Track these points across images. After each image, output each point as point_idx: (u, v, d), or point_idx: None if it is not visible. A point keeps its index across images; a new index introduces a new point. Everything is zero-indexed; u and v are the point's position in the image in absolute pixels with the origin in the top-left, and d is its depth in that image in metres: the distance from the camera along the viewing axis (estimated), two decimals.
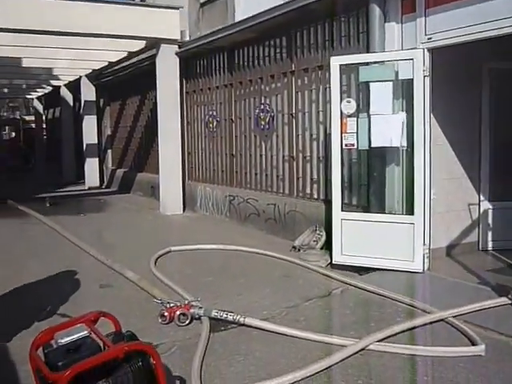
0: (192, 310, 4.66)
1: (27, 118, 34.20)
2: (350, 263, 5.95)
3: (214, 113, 9.98)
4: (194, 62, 10.54)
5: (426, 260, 5.74)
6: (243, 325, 4.47)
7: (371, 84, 5.73)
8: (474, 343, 3.96)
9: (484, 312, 4.61)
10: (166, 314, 4.64)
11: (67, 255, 7.33)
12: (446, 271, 5.84)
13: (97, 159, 16.40)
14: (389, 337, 4.07)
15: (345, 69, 6.03)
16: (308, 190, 7.57)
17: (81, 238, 8.07)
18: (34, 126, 26.81)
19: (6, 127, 31.73)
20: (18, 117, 37.33)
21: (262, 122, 8.47)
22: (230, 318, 4.54)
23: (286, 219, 7.79)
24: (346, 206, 6.24)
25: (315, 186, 7.42)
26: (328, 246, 6.45)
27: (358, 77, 5.99)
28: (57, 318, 4.67)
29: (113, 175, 16.09)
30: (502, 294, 4.86)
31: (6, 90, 21.01)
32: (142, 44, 10.87)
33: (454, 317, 4.44)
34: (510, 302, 4.71)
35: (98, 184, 16.39)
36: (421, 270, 5.68)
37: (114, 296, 5.51)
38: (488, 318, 4.46)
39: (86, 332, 2.93)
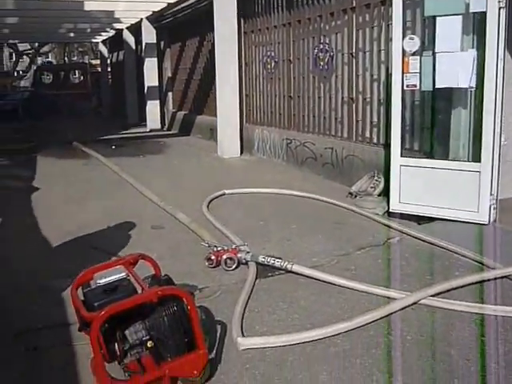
0: (239, 255, 4.56)
1: (94, 62, 34.77)
2: (409, 212, 5.64)
3: (272, 53, 9.62)
4: (252, 0, 10.11)
5: (493, 211, 5.31)
6: (290, 272, 4.33)
7: (438, 18, 5.21)
8: None
9: None
10: (212, 257, 4.56)
11: (123, 196, 7.41)
12: None
13: (158, 102, 16.48)
14: (445, 292, 3.80)
15: (409, 2, 5.56)
16: (367, 134, 7.21)
17: (137, 180, 8.13)
18: (99, 69, 27.14)
19: (76, 71, 32.32)
20: (86, 61, 38.05)
21: (321, 63, 8.08)
22: (277, 264, 4.41)
23: (344, 164, 7.50)
24: (406, 152, 5.88)
25: (375, 129, 7.05)
26: (386, 193, 6.14)
27: (423, 11, 5.50)
28: (105, 257, 4.69)
29: (173, 118, 16.12)
30: None
31: (72, 35, 21.26)
32: None
33: None
34: None
35: (159, 126, 16.54)
36: (486, 222, 5.29)
37: (164, 238, 5.50)
38: None
39: (123, 274, 2.91)
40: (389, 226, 5.49)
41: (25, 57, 39.16)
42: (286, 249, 5.02)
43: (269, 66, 9.80)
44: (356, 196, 6.55)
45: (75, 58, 46.08)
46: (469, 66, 5.17)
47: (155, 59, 16.01)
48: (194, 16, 12.74)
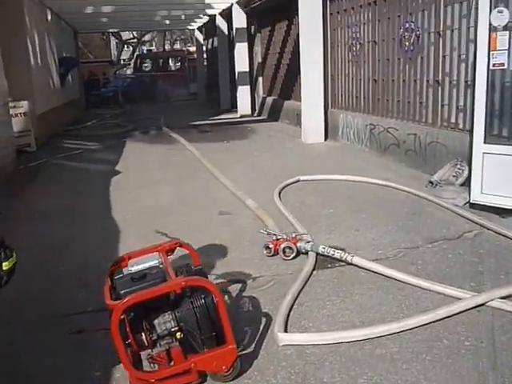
0: (299, 244, 4.38)
1: (192, 49, 35.54)
2: (492, 204, 5.15)
3: (358, 35, 9.21)
4: None
5: None
6: (351, 264, 4.09)
7: None
8: None
9: None
10: (270, 245, 4.42)
11: (198, 181, 7.45)
12: None
13: (248, 87, 16.47)
14: None
15: None
16: (453, 119, 6.69)
17: (215, 165, 8.12)
18: (195, 56, 27.67)
19: (174, 58, 33.26)
20: (184, 48, 38.97)
21: (407, 43, 7.58)
22: (337, 255, 4.18)
23: (427, 151, 7.02)
24: (492, 138, 5.35)
25: (461, 114, 6.52)
26: (470, 183, 5.66)
27: None
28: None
29: (263, 103, 16.05)
30: None
31: (167, 22, 21.76)
32: None
33: None
34: None
35: (249, 112, 16.53)
36: None
37: (230, 224, 5.42)
38: None
39: (156, 262, 2.84)
40: (467, 218, 5.05)
41: (130, 46, 40.73)
42: (351, 239, 4.77)
43: (354, 49, 9.41)
44: (436, 185, 6.11)
45: (177, 46, 47.32)
46: None
47: (245, 44, 15.99)
48: None
